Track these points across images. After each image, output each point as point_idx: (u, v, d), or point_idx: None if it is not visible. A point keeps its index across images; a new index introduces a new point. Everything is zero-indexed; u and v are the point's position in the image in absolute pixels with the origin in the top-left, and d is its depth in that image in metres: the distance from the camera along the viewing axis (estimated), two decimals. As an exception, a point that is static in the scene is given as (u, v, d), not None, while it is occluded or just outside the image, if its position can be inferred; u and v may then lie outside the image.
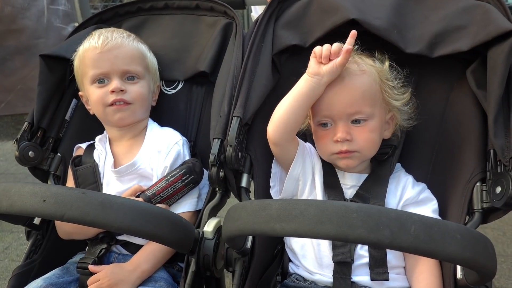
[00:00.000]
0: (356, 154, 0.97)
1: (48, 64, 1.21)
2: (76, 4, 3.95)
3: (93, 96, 1.13)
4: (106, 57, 1.11)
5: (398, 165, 1.08)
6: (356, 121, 0.96)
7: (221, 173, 1.01)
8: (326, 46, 0.93)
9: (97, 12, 1.37)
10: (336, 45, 0.93)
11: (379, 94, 0.98)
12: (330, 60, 0.93)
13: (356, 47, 0.99)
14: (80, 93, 1.22)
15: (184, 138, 1.20)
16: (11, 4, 3.78)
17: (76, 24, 4.23)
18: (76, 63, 1.17)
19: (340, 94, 0.95)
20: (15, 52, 3.87)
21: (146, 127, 1.21)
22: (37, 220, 1.11)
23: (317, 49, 0.94)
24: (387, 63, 1.01)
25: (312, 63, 0.94)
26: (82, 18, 3.92)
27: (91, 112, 1.21)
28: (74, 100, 1.28)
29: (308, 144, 1.09)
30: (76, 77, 1.20)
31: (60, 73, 1.24)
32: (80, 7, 3.95)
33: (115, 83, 1.10)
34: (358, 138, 0.96)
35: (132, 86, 1.13)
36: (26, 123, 1.17)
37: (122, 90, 1.11)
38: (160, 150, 1.14)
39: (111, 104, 1.10)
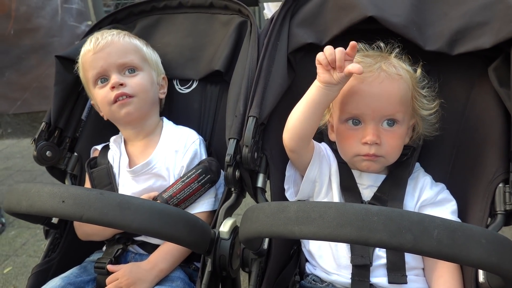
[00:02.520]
0: (381, 159, 0.96)
1: (64, 64, 1.22)
2: (89, 2, 3.98)
3: (98, 97, 1.13)
4: (100, 56, 1.12)
5: (417, 165, 1.06)
6: (388, 124, 0.94)
7: (237, 173, 1.01)
8: (329, 51, 0.87)
9: (111, 11, 1.37)
10: (339, 52, 0.86)
11: (410, 101, 0.96)
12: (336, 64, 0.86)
13: (397, 50, 0.97)
14: (92, 102, 1.23)
15: (201, 137, 1.19)
16: (26, 4, 3.84)
17: (90, 23, 4.26)
18: (80, 74, 1.19)
19: (378, 95, 0.92)
20: (31, 50, 3.93)
21: (161, 125, 1.21)
22: (55, 219, 1.12)
23: (320, 57, 0.88)
24: (419, 71, 0.99)
25: (321, 71, 0.89)
26: (95, 16, 3.95)
27: (105, 118, 1.21)
28: (90, 100, 1.29)
29: (323, 145, 1.07)
30: (85, 88, 1.21)
31: (75, 73, 1.25)
32: (93, 6, 3.98)
33: (113, 78, 1.10)
34: (386, 143, 0.94)
35: (132, 79, 1.13)
36: (43, 123, 1.18)
37: (121, 84, 1.10)
38: (178, 150, 1.14)
39: (115, 101, 1.10)
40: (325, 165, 1.02)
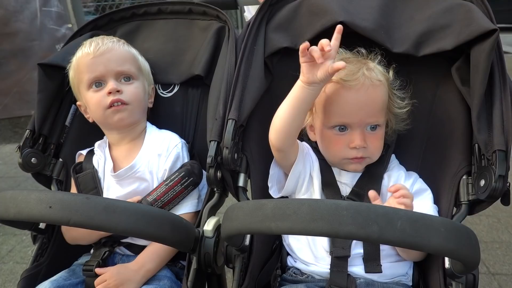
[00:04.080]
0: (367, 160, 1.02)
1: (46, 71, 1.23)
2: (69, 5, 3.94)
3: (92, 100, 1.15)
4: (99, 61, 1.14)
5: (393, 157, 1.12)
6: (372, 128, 1.00)
7: (219, 174, 1.04)
8: (325, 42, 0.89)
9: (92, 16, 1.39)
10: (324, 41, 0.89)
11: (387, 103, 1.02)
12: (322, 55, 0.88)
13: (379, 58, 1.02)
14: (78, 103, 1.25)
15: (183, 140, 1.23)
16: (3, 7, 3.78)
17: (70, 25, 4.19)
18: (71, 74, 1.20)
19: (365, 104, 0.98)
20: (10, 55, 3.88)
21: (145, 130, 1.24)
22: (42, 225, 1.14)
23: (316, 53, 0.88)
24: (391, 73, 1.05)
25: (305, 70, 0.92)
26: (75, 19, 3.92)
27: (90, 120, 1.23)
28: (73, 106, 1.31)
29: (304, 144, 1.12)
30: (73, 88, 1.23)
31: (58, 80, 1.26)
32: (72, 8, 3.94)
33: (111, 84, 1.13)
34: (371, 145, 1.00)
35: (128, 87, 1.16)
36: (27, 131, 1.19)
37: (118, 91, 1.14)
38: (160, 153, 1.17)
39: (110, 106, 1.13)
40: (308, 163, 1.07)
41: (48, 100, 1.24)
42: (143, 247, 1.11)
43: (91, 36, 1.33)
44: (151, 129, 1.24)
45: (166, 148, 1.18)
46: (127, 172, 1.15)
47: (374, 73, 0.99)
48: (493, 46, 0.90)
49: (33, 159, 1.18)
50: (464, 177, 0.97)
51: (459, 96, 1.03)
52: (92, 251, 1.16)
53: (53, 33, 3.91)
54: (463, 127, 1.01)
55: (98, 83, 1.15)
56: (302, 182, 1.06)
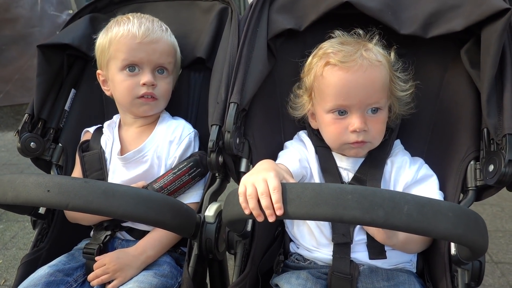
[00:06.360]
0: (368, 144, 0.99)
1: (46, 54, 1.21)
2: (70, -9, 3.89)
3: (122, 84, 1.12)
4: (144, 48, 1.11)
5: (397, 142, 1.09)
6: (372, 111, 0.96)
7: (220, 159, 1.03)
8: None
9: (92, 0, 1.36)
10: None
11: (388, 85, 0.98)
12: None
13: (377, 37, 0.99)
14: (98, 71, 1.20)
15: (195, 130, 1.20)
16: (4, -7, 3.74)
17: (71, 12, 4.15)
18: (105, 41, 1.14)
19: (364, 84, 0.93)
20: (11, 41, 3.86)
21: (159, 115, 1.21)
22: (42, 210, 1.13)
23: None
24: (393, 54, 1.01)
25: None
26: (76, 4, 3.87)
27: (108, 94, 1.21)
28: (72, 90, 1.29)
29: (298, 136, 1.09)
30: (101, 54, 1.16)
31: (58, 63, 1.24)
32: (73, -6, 3.89)
33: (148, 76, 1.11)
34: (372, 129, 0.97)
35: (161, 81, 1.14)
36: (26, 115, 1.18)
37: (153, 85, 1.12)
38: (172, 140, 1.15)
39: (141, 97, 1.12)
40: (304, 163, 1.04)
41: (47, 84, 1.22)
42: (144, 232, 1.10)
43: (90, 19, 1.30)
44: (165, 116, 1.22)
45: (179, 136, 1.15)
46: (135, 155, 1.13)
47: (373, 53, 0.96)
48: (505, 26, 0.87)
49: (32, 144, 1.17)
50: (472, 162, 0.94)
51: (468, 79, 1.00)
52: (92, 233, 1.15)
53: (54, 19, 3.87)
54: (472, 111, 0.98)
55: (132, 67, 1.11)
56: (305, 177, 1.05)
